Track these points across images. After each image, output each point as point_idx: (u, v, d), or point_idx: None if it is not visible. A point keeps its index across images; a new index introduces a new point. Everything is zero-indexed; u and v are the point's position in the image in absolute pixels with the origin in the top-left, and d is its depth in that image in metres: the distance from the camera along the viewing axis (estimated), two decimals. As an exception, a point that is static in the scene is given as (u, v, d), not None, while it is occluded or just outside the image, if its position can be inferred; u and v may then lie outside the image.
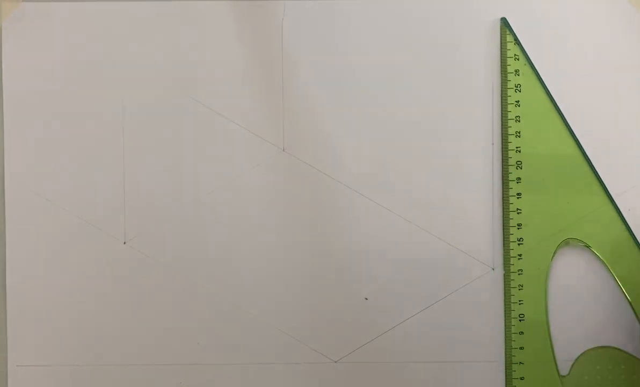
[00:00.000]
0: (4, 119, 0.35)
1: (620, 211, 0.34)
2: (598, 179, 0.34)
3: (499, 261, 0.35)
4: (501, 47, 0.35)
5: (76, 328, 0.35)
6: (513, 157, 0.34)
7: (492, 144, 0.35)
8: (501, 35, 0.35)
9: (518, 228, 0.34)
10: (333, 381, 0.35)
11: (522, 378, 0.34)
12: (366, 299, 0.35)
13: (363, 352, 0.35)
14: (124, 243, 0.35)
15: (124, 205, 0.35)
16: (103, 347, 0.35)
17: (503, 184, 0.35)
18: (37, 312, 0.35)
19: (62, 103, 0.35)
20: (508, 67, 0.35)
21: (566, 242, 0.35)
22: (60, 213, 0.35)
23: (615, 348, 0.34)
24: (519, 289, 0.34)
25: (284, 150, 0.35)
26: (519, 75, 0.35)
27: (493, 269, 0.35)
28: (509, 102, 0.34)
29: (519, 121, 0.34)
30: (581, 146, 0.35)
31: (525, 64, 0.35)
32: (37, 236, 0.35)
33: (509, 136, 0.34)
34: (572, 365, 0.34)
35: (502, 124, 0.35)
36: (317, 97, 0.35)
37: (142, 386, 0.35)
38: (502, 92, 0.35)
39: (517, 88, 0.34)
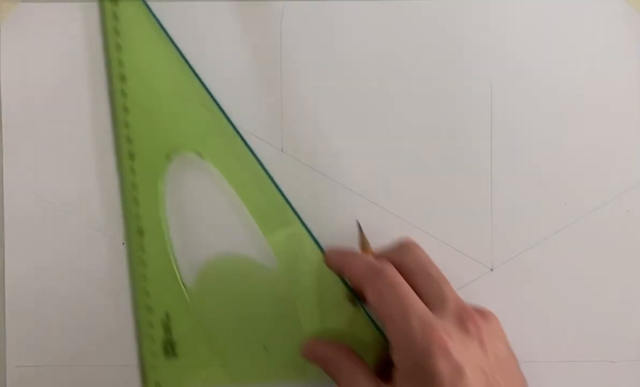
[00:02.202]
0: (3, 120, 0.35)
1: (231, 121, 0.34)
2: (209, 92, 0.34)
3: (496, 261, 0.35)
4: None
5: (75, 328, 0.35)
6: (116, 69, 0.34)
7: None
8: None
9: (128, 142, 0.34)
10: None
11: (147, 293, 0.34)
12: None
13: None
14: (123, 243, 0.35)
15: (122, 205, 0.35)
16: (102, 348, 0.35)
17: (110, 98, 0.35)
18: (36, 313, 0.35)
19: (61, 103, 0.35)
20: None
21: (176, 151, 0.34)
22: (59, 213, 0.35)
23: (237, 255, 0.34)
24: (136, 204, 0.34)
25: (282, 150, 0.35)
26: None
27: (492, 270, 0.35)
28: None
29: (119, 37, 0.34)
30: (189, 64, 0.34)
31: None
32: (36, 236, 0.35)
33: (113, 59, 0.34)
34: (197, 276, 0.34)
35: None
36: (315, 97, 0.35)
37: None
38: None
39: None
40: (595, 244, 0.35)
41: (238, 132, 0.34)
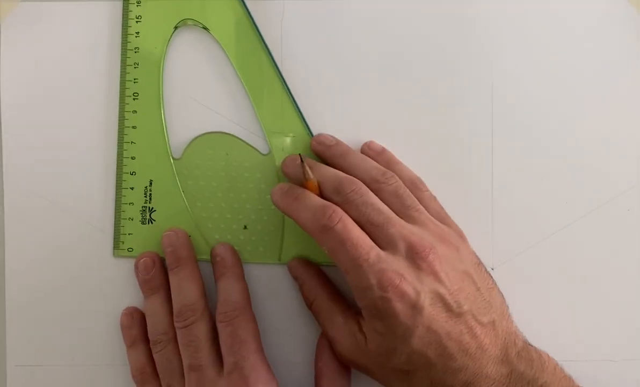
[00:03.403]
0: (3, 119, 0.35)
1: (245, 4, 0.34)
2: None
3: (496, 261, 0.35)
4: None
5: (75, 328, 0.35)
6: None
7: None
8: None
9: (137, 4, 0.34)
10: None
11: (133, 158, 0.34)
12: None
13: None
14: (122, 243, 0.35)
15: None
16: (102, 348, 0.35)
17: None
18: (36, 313, 0.35)
19: (61, 103, 0.35)
20: None
21: (184, 23, 0.35)
22: (58, 213, 0.35)
23: (227, 134, 0.35)
24: (135, 67, 0.34)
25: (282, 150, 0.35)
26: None
27: (492, 269, 0.35)
28: None
29: None
30: None
31: None
32: (36, 236, 0.35)
33: None
34: (186, 149, 0.35)
35: None
36: (316, 96, 0.35)
37: (141, 386, 0.35)
38: None
39: None
40: (595, 244, 0.35)
41: (249, 13, 0.34)
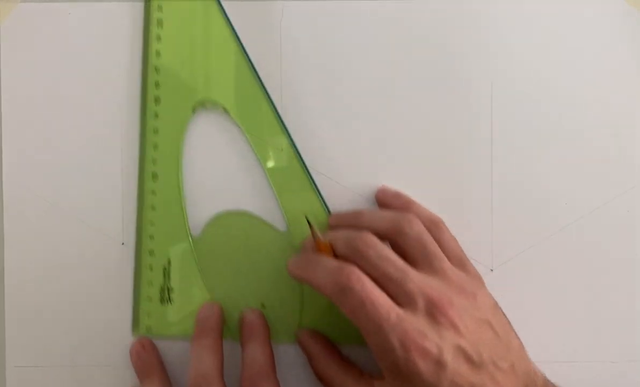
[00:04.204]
0: (3, 119, 0.35)
1: (256, 71, 0.35)
2: (244, 49, 0.35)
3: (496, 261, 0.35)
4: None
5: (74, 329, 0.35)
6: (155, 14, 0.34)
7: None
8: None
9: (156, 87, 0.34)
10: None
11: (151, 237, 0.34)
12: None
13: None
14: (122, 243, 0.35)
15: (122, 206, 0.35)
16: (102, 348, 0.35)
17: (143, 42, 0.35)
18: (36, 313, 0.35)
19: (60, 103, 0.35)
20: None
21: (202, 104, 0.35)
22: (58, 213, 0.35)
23: (245, 212, 0.35)
24: (154, 149, 0.34)
25: (282, 150, 0.35)
26: None
27: (492, 270, 0.35)
28: None
29: None
30: (224, 10, 0.35)
31: None
32: (35, 236, 0.35)
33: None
34: (204, 227, 0.35)
35: None
36: (315, 97, 0.35)
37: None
38: None
39: None
40: (595, 244, 0.35)
41: (268, 95, 0.34)
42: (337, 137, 0.35)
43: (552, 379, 0.31)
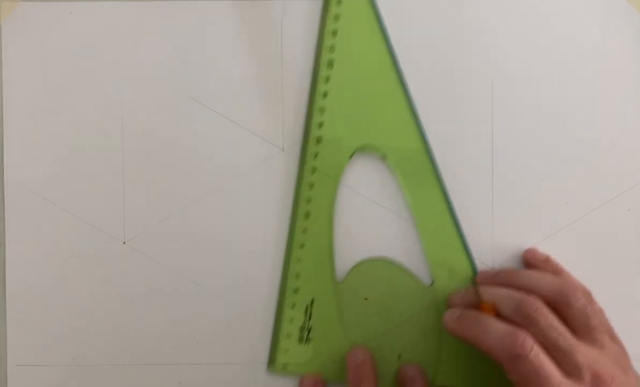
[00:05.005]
0: (4, 119, 0.35)
1: (421, 125, 0.35)
2: (404, 87, 0.35)
3: (496, 261, 0.35)
4: None
5: (75, 328, 0.35)
6: (326, 56, 0.35)
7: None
8: None
9: (319, 127, 0.35)
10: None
11: (298, 275, 0.34)
12: (365, 299, 0.35)
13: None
14: (124, 243, 0.35)
15: (123, 205, 0.35)
16: (102, 347, 0.35)
17: (312, 80, 0.35)
18: (37, 312, 0.35)
19: (61, 103, 0.35)
20: None
21: (363, 148, 0.35)
22: (59, 213, 0.35)
23: (389, 261, 0.35)
24: (310, 188, 0.34)
25: (283, 150, 0.35)
26: None
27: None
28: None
29: (338, 20, 0.35)
30: (394, 56, 0.35)
31: None
32: (36, 235, 0.35)
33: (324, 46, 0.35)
34: (348, 272, 0.35)
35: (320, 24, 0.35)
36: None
37: (142, 385, 0.35)
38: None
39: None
40: (595, 244, 0.35)
41: (428, 147, 0.35)
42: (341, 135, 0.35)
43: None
